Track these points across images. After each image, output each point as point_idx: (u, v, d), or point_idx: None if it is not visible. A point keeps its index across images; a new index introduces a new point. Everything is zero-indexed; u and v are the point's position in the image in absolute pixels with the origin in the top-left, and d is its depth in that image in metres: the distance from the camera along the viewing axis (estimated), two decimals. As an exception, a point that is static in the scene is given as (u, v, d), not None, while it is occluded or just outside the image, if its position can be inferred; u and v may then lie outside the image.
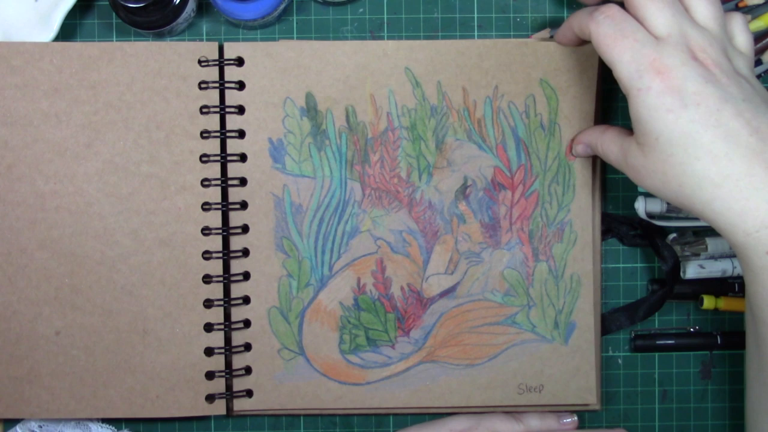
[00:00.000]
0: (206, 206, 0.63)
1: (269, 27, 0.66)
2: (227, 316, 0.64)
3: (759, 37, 0.64)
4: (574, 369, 0.65)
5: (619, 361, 0.68)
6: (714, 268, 0.66)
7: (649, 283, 0.68)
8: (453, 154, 0.63)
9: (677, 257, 0.65)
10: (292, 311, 0.64)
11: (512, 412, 0.65)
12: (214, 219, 0.63)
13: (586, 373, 0.65)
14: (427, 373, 0.64)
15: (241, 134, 0.63)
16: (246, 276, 0.63)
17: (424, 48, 0.63)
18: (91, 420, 0.66)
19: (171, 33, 0.65)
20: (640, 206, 0.66)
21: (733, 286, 0.67)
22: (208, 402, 0.64)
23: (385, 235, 0.63)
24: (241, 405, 0.64)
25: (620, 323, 0.66)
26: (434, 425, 0.65)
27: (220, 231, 0.63)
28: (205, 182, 0.63)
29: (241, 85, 0.63)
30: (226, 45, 0.63)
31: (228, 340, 0.64)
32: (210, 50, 0.63)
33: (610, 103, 0.67)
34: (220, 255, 0.63)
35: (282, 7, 0.64)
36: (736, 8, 0.64)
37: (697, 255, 0.66)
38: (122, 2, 0.60)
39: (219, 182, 0.63)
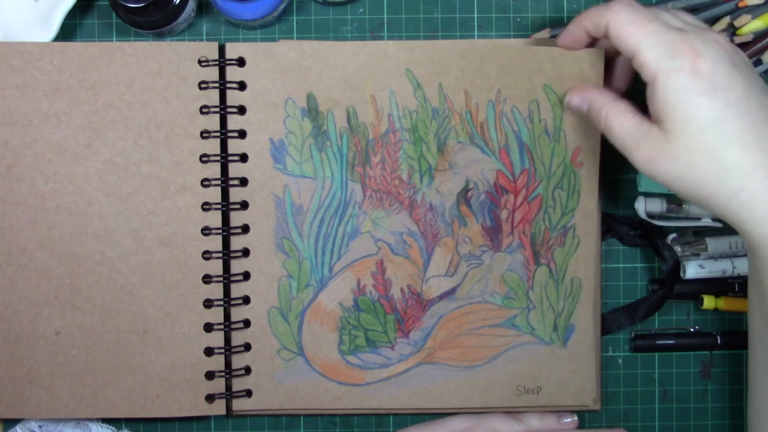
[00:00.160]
0: (206, 206, 0.63)
1: (269, 27, 0.66)
2: (227, 316, 0.64)
3: (759, 37, 0.64)
4: (572, 371, 0.64)
5: (619, 361, 0.68)
6: (714, 268, 0.66)
7: (649, 283, 0.68)
8: (455, 156, 0.63)
9: (677, 257, 0.65)
10: (291, 312, 0.64)
11: (512, 412, 0.65)
12: (214, 219, 0.63)
13: (584, 376, 0.65)
14: (426, 375, 0.64)
15: (242, 134, 0.63)
16: (246, 276, 0.63)
17: (424, 49, 0.62)
18: (91, 420, 0.66)
19: (171, 33, 0.65)
20: (640, 206, 0.66)
21: (733, 286, 0.67)
22: (207, 402, 0.64)
23: (386, 237, 0.63)
24: (240, 405, 0.64)
25: (620, 323, 0.66)
26: (434, 425, 0.65)
27: (220, 231, 0.63)
28: (205, 182, 0.63)
29: (241, 86, 0.63)
30: (228, 45, 0.63)
31: (228, 340, 0.64)
32: (210, 50, 0.63)
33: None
34: (220, 255, 0.63)
35: (282, 7, 0.64)
36: (736, 8, 0.64)
37: (697, 255, 0.66)
38: (122, 2, 0.60)
39: (219, 182, 0.63)
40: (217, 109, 0.63)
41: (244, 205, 0.63)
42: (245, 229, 0.63)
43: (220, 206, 0.63)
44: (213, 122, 0.63)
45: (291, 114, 0.63)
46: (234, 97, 0.63)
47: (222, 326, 0.63)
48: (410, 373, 0.64)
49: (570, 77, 0.62)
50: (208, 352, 0.64)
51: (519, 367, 0.64)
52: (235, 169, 0.63)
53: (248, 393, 0.64)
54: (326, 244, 0.63)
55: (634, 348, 0.68)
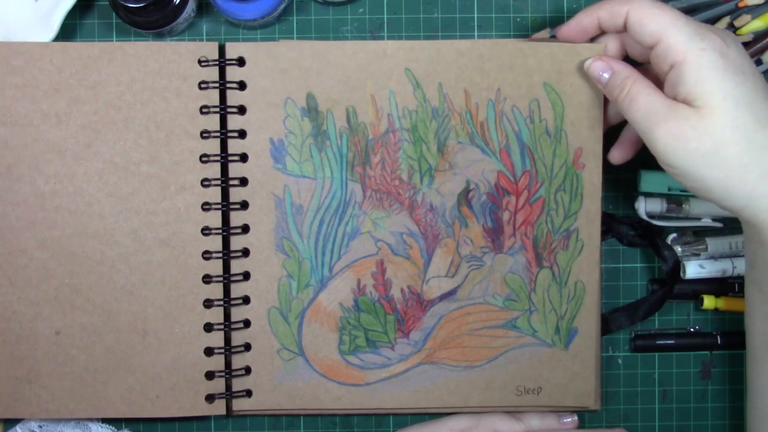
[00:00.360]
0: (206, 206, 0.63)
1: (269, 27, 0.66)
2: (227, 316, 0.64)
3: (759, 37, 0.64)
4: (573, 374, 0.64)
5: (619, 361, 0.68)
6: (714, 268, 0.66)
7: (649, 283, 0.68)
8: (455, 157, 0.63)
9: (677, 257, 0.65)
10: (291, 312, 0.64)
11: (512, 411, 0.65)
12: (214, 219, 0.63)
13: (585, 378, 0.64)
14: (426, 375, 0.64)
15: (242, 134, 0.63)
16: (246, 276, 0.63)
17: (424, 48, 0.62)
18: (91, 420, 0.66)
19: (171, 33, 0.65)
20: (640, 206, 0.66)
21: (733, 286, 0.67)
22: (207, 402, 0.64)
23: (386, 237, 0.63)
24: (240, 405, 0.64)
25: (620, 323, 0.66)
26: (434, 424, 0.65)
27: (220, 231, 0.63)
28: (205, 182, 0.63)
29: (241, 85, 0.62)
30: (228, 45, 0.63)
31: (228, 340, 0.64)
32: (210, 50, 0.63)
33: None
34: (220, 255, 0.63)
35: (282, 7, 0.64)
36: (736, 8, 0.64)
37: (697, 255, 0.66)
38: (122, 2, 0.60)
39: (219, 182, 0.63)
40: (217, 109, 0.63)
41: (244, 205, 0.63)
42: (245, 229, 0.63)
43: (220, 206, 0.63)
44: (213, 122, 0.63)
45: (291, 114, 0.62)
46: (234, 97, 0.63)
47: (222, 326, 0.63)
48: (410, 373, 0.64)
49: (570, 74, 0.62)
50: (208, 352, 0.64)
51: (519, 367, 0.64)
52: (235, 169, 0.63)
53: (248, 393, 0.64)
54: (326, 244, 0.63)
55: (634, 348, 0.68)
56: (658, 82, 0.56)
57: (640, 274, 0.68)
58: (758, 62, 0.65)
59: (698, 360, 0.68)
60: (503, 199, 0.63)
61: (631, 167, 0.65)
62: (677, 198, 0.66)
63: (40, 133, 0.62)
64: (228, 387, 0.64)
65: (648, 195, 0.66)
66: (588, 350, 0.64)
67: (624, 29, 0.56)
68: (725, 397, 0.68)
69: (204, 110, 0.63)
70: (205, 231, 0.63)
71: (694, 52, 0.51)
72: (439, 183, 0.63)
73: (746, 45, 0.64)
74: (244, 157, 0.63)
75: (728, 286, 0.67)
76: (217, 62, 0.62)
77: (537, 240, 0.63)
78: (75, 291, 0.63)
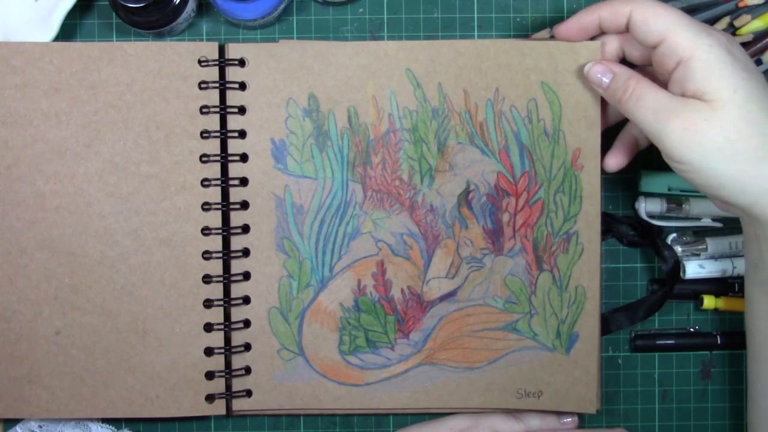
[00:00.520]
0: (206, 206, 0.63)
1: (269, 27, 0.66)
2: (227, 316, 0.64)
3: (759, 37, 0.64)
4: (574, 379, 0.64)
5: (619, 361, 0.68)
6: (714, 268, 0.66)
7: (649, 283, 0.68)
8: (455, 157, 0.63)
9: (677, 257, 0.65)
10: (292, 312, 0.63)
11: (512, 411, 0.65)
12: (214, 219, 0.63)
13: (587, 384, 0.64)
14: (426, 375, 0.64)
15: (242, 134, 0.63)
16: (246, 276, 0.63)
17: (424, 48, 0.62)
18: (91, 420, 0.66)
19: (171, 33, 0.65)
20: (640, 206, 0.66)
21: (733, 286, 0.67)
22: (207, 402, 0.64)
23: (386, 238, 0.63)
24: (240, 405, 0.64)
25: (620, 323, 0.66)
26: (434, 424, 0.65)
27: (220, 231, 0.63)
28: (205, 182, 0.63)
29: (242, 86, 0.62)
30: (230, 45, 0.63)
31: (228, 340, 0.64)
32: (210, 50, 0.63)
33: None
34: (220, 255, 0.63)
35: (282, 7, 0.64)
36: (736, 8, 0.64)
37: (697, 255, 0.66)
38: (122, 2, 0.60)
39: (219, 182, 0.63)
40: (217, 109, 0.63)
41: (244, 205, 0.63)
42: (245, 229, 0.63)
43: (220, 206, 0.63)
44: (213, 122, 0.63)
45: (292, 114, 0.62)
46: (234, 97, 0.63)
47: (222, 326, 0.63)
48: (410, 373, 0.64)
49: (567, 73, 0.62)
50: (208, 352, 0.64)
51: (520, 370, 0.64)
52: (236, 169, 0.63)
53: (248, 393, 0.64)
54: (327, 244, 0.63)
55: (634, 348, 0.68)
56: (658, 83, 0.55)
57: (640, 274, 0.68)
58: (758, 62, 0.65)
59: (698, 360, 0.68)
60: (503, 201, 0.63)
61: (631, 167, 0.65)
62: (677, 198, 0.66)
63: (40, 133, 0.62)
64: (228, 387, 0.64)
65: (648, 195, 0.66)
66: (589, 356, 0.63)
67: (625, 29, 0.56)
68: (725, 397, 0.68)
69: (204, 110, 0.63)
70: (205, 231, 0.63)
71: (702, 48, 0.52)
72: (440, 184, 0.63)
73: (746, 45, 0.64)
74: (244, 157, 0.63)
75: (728, 286, 0.67)
76: (217, 62, 0.62)
77: (537, 242, 0.63)
78: (75, 291, 0.63)
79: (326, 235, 0.63)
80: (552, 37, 0.63)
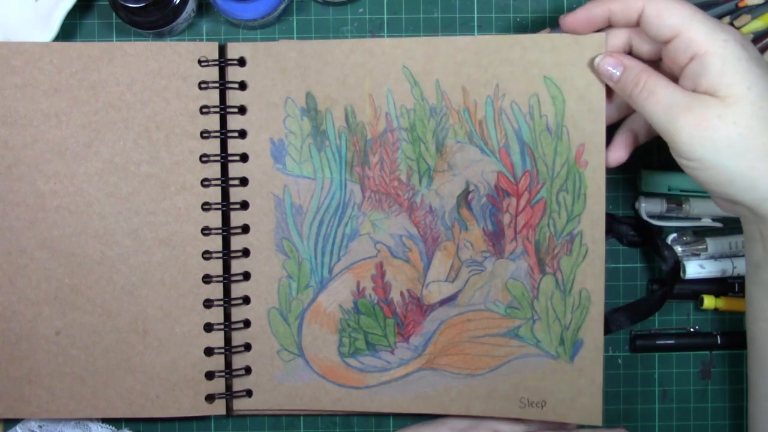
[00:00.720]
0: (206, 206, 0.63)
1: (269, 27, 0.66)
2: (227, 316, 0.64)
3: (759, 37, 0.64)
4: (579, 389, 0.62)
5: (619, 361, 0.68)
6: (714, 268, 0.66)
7: (649, 283, 0.68)
8: (454, 157, 0.62)
9: (677, 257, 0.65)
10: (291, 312, 0.63)
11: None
12: (214, 219, 0.63)
13: (592, 395, 0.62)
14: (427, 380, 0.63)
15: (242, 134, 0.63)
16: (246, 276, 0.63)
17: (421, 45, 0.61)
18: (91, 420, 0.66)
19: (171, 33, 0.65)
20: (640, 206, 0.66)
21: (733, 286, 0.67)
22: (208, 402, 0.64)
23: (385, 239, 0.63)
24: (240, 405, 0.64)
25: (620, 323, 0.66)
26: (434, 424, 0.65)
27: (220, 231, 0.63)
28: (205, 182, 0.63)
29: (242, 85, 0.62)
30: (229, 45, 0.63)
31: (228, 340, 0.64)
32: (210, 50, 0.63)
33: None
34: (220, 255, 0.63)
35: (282, 7, 0.64)
36: (736, 8, 0.64)
37: (697, 255, 0.66)
38: (122, 2, 0.60)
39: (219, 182, 0.63)
40: (217, 109, 0.63)
41: (244, 205, 0.63)
42: (245, 229, 0.63)
43: (220, 206, 0.63)
44: (213, 122, 0.63)
45: (291, 113, 0.62)
46: (234, 97, 0.63)
47: (222, 326, 0.63)
48: (410, 377, 0.63)
49: (571, 66, 0.60)
50: (208, 352, 0.64)
51: (522, 378, 0.62)
52: (235, 169, 0.63)
53: (248, 393, 0.64)
54: (326, 245, 0.63)
55: (634, 348, 0.68)
56: (670, 78, 0.55)
57: (640, 274, 0.68)
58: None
59: (698, 360, 0.68)
60: (503, 201, 0.62)
61: (631, 167, 0.65)
62: (677, 198, 0.66)
63: (40, 133, 0.62)
64: (228, 387, 0.64)
65: (648, 195, 0.66)
66: (594, 364, 0.61)
67: (635, 24, 0.55)
68: (725, 397, 0.68)
69: (204, 110, 0.63)
70: (205, 231, 0.63)
71: (718, 43, 0.51)
72: (438, 184, 0.62)
73: (746, 45, 0.64)
74: (244, 157, 0.63)
75: (728, 286, 0.67)
76: (217, 62, 0.62)
77: (539, 244, 0.62)
78: (75, 291, 0.63)
79: (325, 236, 0.63)
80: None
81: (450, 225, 0.62)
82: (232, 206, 0.63)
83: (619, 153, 0.60)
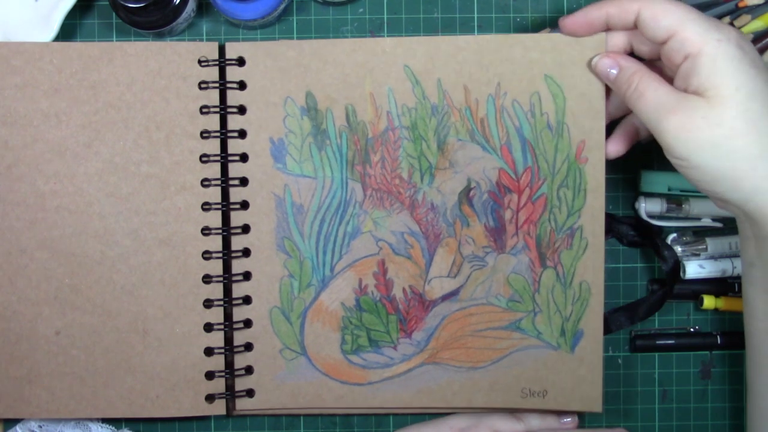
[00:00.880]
0: (206, 206, 0.63)
1: (269, 27, 0.66)
2: (227, 316, 0.64)
3: (759, 37, 0.64)
4: (580, 377, 0.63)
5: (619, 361, 0.68)
6: (714, 268, 0.66)
7: (649, 283, 0.68)
8: (455, 154, 0.62)
9: (677, 257, 0.65)
10: (293, 311, 0.63)
11: (513, 410, 0.65)
12: (214, 219, 0.63)
13: (592, 383, 0.63)
14: (429, 375, 0.64)
15: (242, 134, 0.63)
16: (246, 276, 0.63)
17: (422, 44, 0.62)
18: (91, 420, 0.66)
19: (171, 33, 0.65)
20: (640, 206, 0.66)
21: (733, 286, 0.67)
22: (208, 402, 0.64)
23: (387, 237, 0.63)
24: (243, 405, 0.64)
25: (620, 323, 0.66)
26: (434, 424, 0.65)
27: (220, 231, 0.63)
28: (205, 182, 0.63)
29: (241, 85, 0.62)
30: (228, 45, 0.63)
31: (229, 340, 0.64)
32: (210, 50, 0.63)
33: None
34: (220, 255, 0.63)
35: (282, 7, 0.64)
36: (736, 8, 0.64)
37: (697, 255, 0.66)
38: (122, 2, 0.60)
39: (219, 182, 0.63)
40: (217, 109, 0.63)
41: (244, 205, 0.63)
42: (245, 229, 0.63)
43: (220, 206, 0.63)
44: (213, 122, 0.63)
45: (290, 113, 0.62)
46: (234, 97, 0.63)
47: (222, 326, 0.63)
48: (413, 373, 0.64)
49: (571, 65, 0.61)
50: (208, 352, 0.63)
51: (524, 370, 0.63)
52: (235, 169, 0.63)
53: (250, 393, 0.64)
54: (327, 243, 0.63)
55: (634, 348, 0.68)
56: (667, 78, 0.55)
57: (640, 274, 0.68)
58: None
59: (698, 360, 0.68)
60: (505, 197, 0.63)
61: (631, 167, 0.65)
62: (677, 198, 0.66)
63: (40, 133, 0.62)
64: (229, 387, 0.64)
65: (648, 195, 0.66)
66: (594, 353, 0.63)
67: (633, 26, 0.56)
68: (725, 397, 0.68)
69: (204, 110, 0.63)
70: (205, 231, 0.63)
71: (711, 43, 0.51)
72: (440, 181, 0.63)
73: (746, 45, 0.64)
74: (244, 157, 0.63)
75: (728, 286, 0.67)
76: (217, 62, 0.62)
77: (540, 239, 0.63)
78: (75, 291, 0.63)
79: (326, 235, 0.63)
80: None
81: (452, 221, 0.63)
82: (232, 206, 0.63)
83: (618, 145, 0.61)
